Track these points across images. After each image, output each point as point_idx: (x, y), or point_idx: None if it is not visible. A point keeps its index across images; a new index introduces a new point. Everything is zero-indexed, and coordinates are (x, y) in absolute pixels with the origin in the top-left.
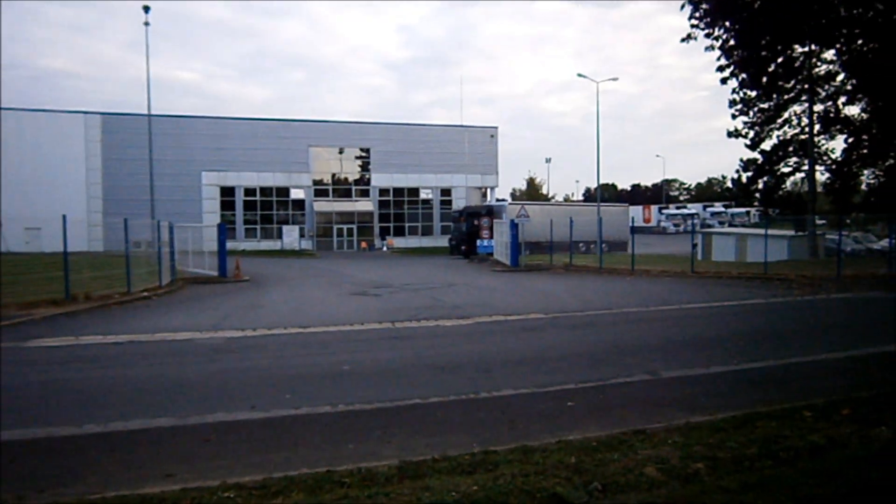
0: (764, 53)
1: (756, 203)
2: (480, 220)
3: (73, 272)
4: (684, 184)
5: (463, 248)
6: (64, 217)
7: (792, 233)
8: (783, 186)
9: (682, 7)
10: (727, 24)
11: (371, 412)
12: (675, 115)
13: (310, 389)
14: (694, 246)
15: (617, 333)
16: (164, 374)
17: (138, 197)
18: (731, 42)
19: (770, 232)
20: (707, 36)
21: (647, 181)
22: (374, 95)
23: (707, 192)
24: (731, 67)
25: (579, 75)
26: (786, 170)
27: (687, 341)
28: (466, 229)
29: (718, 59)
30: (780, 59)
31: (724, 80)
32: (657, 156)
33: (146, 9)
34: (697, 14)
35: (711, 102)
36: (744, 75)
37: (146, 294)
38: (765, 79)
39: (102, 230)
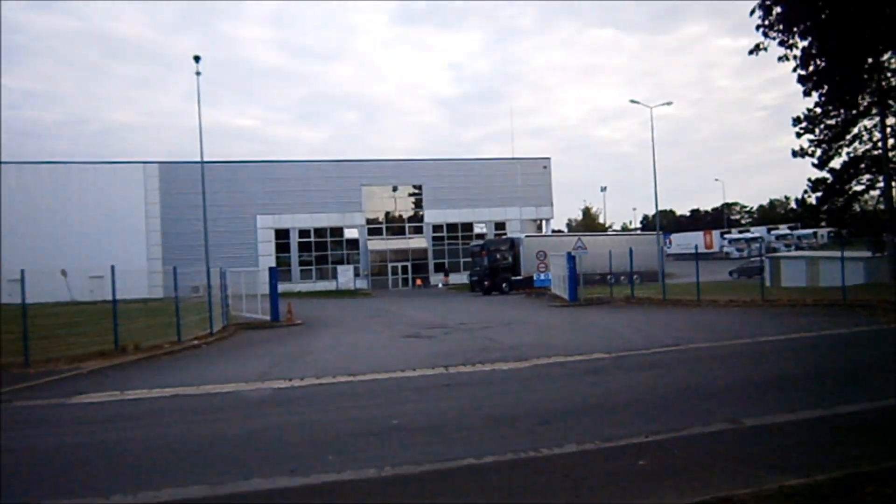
0: (853, 60)
1: (823, 224)
2: (503, 253)
3: (129, 321)
4: (745, 207)
5: (486, 283)
6: (112, 268)
7: (868, 254)
8: (855, 205)
9: (752, 13)
10: (807, 27)
11: (420, 477)
12: (732, 138)
13: (355, 448)
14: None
15: (688, 373)
16: (204, 433)
17: (196, 242)
18: (813, 50)
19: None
20: (781, 44)
21: (707, 206)
22: (427, 133)
23: (770, 214)
24: (813, 79)
25: (632, 101)
26: (858, 188)
27: (767, 381)
28: (489, 263)
29: (794, 69)
30: (868, 64)
31: (807, 92)
32: (716, 180)
33: (196, 58)
34: (769, 20)
35: (769, 123)
36: (826, 86)
37: (196, 342)
38: (855, 90)
39: (162, 277)
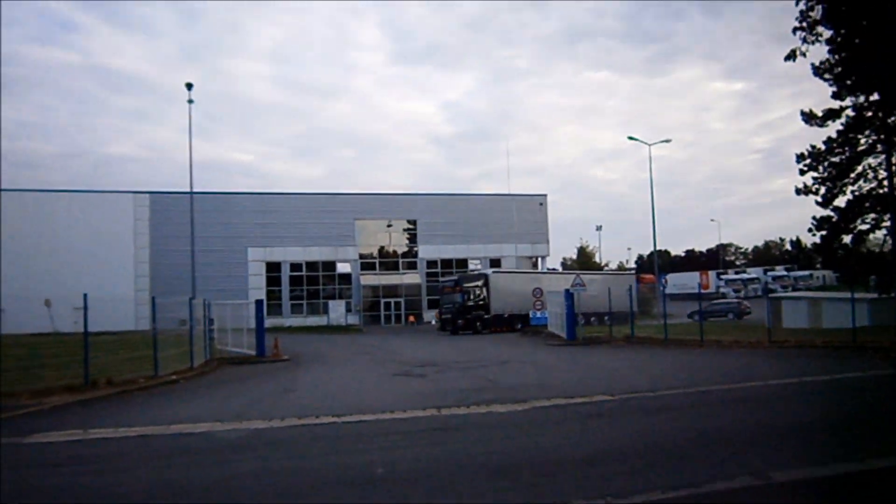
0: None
1: (818, 266)
2: (477, 289)
3: (107, 353)
4: (740, 248)
5: (459, 321)
6: (85, 296)
7: (873, 295)
8: (861, 245)
9: (797, 2)
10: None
11: None
12: (726, 180)
13: (334, 502)
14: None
15: (700, 418)
16: (165, 481)
17: (185, 274)
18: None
19: (848, 295)
20: (828, 42)
21: (702, 247)
22: (423, 170)
23: (765, 255)
24: (855, 95)
25: (630, 138)
26: (863, 227)
27: (787, 428)
28: (463, 300)
29: (831, 81)
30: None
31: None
32: (711, 220)
33: (189, 86)
34: (809, 18)
35: (762, 165)
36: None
37: (174, 377)
38: None
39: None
